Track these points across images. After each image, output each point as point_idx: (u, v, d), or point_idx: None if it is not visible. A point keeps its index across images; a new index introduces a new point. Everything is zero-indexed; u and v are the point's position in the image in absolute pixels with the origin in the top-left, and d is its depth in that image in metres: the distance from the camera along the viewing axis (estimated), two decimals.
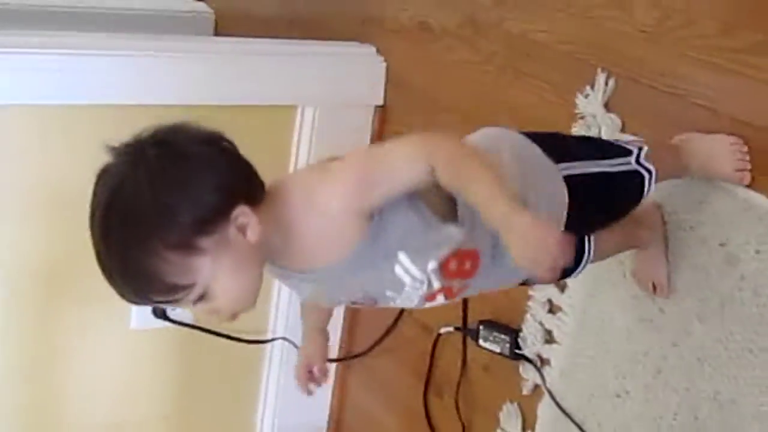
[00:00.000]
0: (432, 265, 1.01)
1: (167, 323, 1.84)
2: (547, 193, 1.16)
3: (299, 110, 1.87)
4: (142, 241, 0.93)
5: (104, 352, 1.87)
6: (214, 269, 0.96)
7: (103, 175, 0.96)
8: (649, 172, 1.22)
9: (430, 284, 1.06)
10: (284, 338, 2.03)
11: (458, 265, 1.08)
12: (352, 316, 2.21)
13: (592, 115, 1.48)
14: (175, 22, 2.31)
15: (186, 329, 1.88)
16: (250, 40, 1.97)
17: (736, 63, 1.30)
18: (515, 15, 1.64)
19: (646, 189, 1.23)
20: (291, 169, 1.89)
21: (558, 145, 1.22)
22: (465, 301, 1.77)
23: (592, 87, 1.48)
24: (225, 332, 1.90)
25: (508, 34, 1.68)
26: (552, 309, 1.62)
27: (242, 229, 0.97)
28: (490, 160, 1.01)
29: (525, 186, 1.10)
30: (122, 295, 0.97)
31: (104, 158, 1.01)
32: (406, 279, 1.02)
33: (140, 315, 1.80)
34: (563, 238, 0.88)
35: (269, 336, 2.06)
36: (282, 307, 2.03)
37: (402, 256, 1.01)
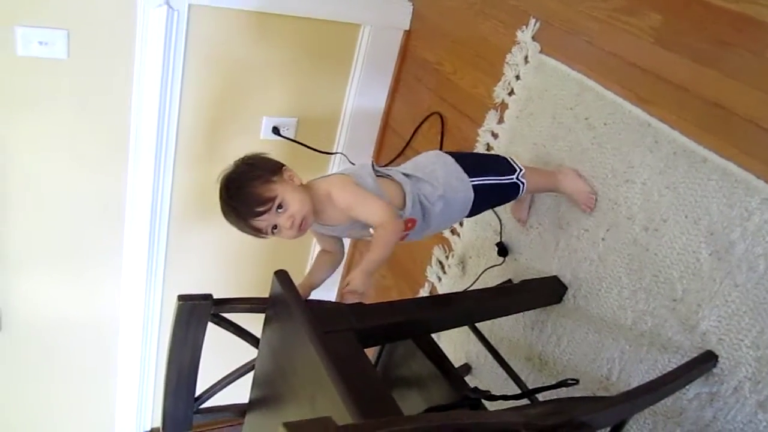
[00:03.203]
0: None
1: (279, 137, 2.12)
2: (459, 197, 1.35)
3: (362, 27, 2.10)
4: (248, 183, 1.21)
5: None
6: (283, 190, 1.21)
7: (227, 169, 1.26)
8: (523, 184, 1.42)
9: None
10: (342, 153, 2.30)
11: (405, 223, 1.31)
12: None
13: (524, 42, 1.67)
14: None
15: (288, 143, 2.15)
16: None
17: (608, 17, 1.46)
18: None
19: (519, 193, 1.43)
20: (354, 58, 2.15)
21: (474, 165, 1.39)
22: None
23: (526, 26, 1.67)
24: (311, 146, 2.18)
25: None
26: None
27: (291, 177, 1.25)
28: (392, 242, 1.22)
29: (447, 190, 1.33)
30: (240, 219, 1.22)
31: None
32: None
33: (266, 130, 2.11)
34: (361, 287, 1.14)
35: (334, 151, 2.31)
36: (342, 138, 2.30)
37: None
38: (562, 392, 1.53)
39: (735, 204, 1.24)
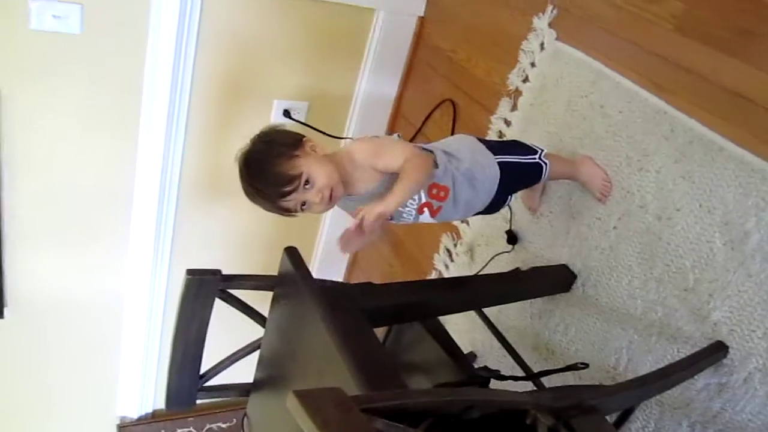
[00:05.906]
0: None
1: (290, 120, 2.09)
2: (486, 172, 1.32)
3: (376, 12, 2.09)
4: (269, 162, 1.16)
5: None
6: (308, 164, 1.17)
7: (245, 147, 1.21)
8: (546, 164, 1.40)
9: (419, 198, 1.25)
10: (352, 138, 2.06)
11: (437, 191, 1.26)
12: None
13: (541, 29, 1.67)
14: None
15: (299, 127, 2.08)
16: None
17: (627, 4, 1.44)
18: None
19: (543, 174, 1.41)
20: (368, 43, 2.13)
21: (499, 146, 1.39)
22: None
23: (543, 12, 1.67)
24: (322, 130, 2.11)
25: None
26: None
27: (313, 148, 1.21)
28: (417, 178, 1.17)
29: (474, 165, 1.31)
30: (267, 201, 1.18)
31: None
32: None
33: (277, 113, 2.08)
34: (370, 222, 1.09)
35: (345, 136, 2.25)
36: (353, 124, 2.28)
37: None
38: (570, 381, 1.53)
39: (751, 193, 1.22)
